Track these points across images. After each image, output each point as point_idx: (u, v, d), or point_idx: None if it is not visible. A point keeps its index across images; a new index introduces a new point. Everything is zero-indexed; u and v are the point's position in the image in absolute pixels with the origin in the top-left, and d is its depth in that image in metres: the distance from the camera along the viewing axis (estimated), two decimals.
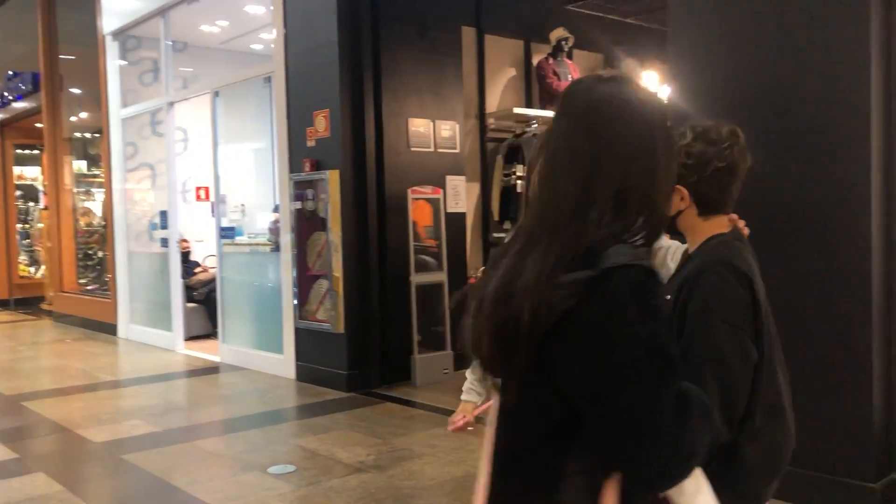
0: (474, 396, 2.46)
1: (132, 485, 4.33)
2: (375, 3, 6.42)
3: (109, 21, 9.35)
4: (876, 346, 3.38)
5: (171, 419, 5.70)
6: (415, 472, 4.30)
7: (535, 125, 7.83)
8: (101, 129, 10.16)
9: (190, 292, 9.15)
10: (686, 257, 1.88)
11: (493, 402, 1.38)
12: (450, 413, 5.66)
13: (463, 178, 7.04)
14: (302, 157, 6.61)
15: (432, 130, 6.79)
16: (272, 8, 6.89)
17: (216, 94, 7.83)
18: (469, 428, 2.45)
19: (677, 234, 1.92)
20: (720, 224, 1.82)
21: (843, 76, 3.43)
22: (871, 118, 3.35)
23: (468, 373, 2.51)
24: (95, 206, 12.31)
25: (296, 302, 6.76)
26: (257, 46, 9.33)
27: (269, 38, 8.31)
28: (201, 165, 9.31)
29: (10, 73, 12.05)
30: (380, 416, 5.59)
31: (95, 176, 12.45)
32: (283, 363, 6.98)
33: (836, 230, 3.45)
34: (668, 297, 1.70)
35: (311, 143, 6.54)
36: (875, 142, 3.37)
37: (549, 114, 7.92)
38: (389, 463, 4.47)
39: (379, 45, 6.43)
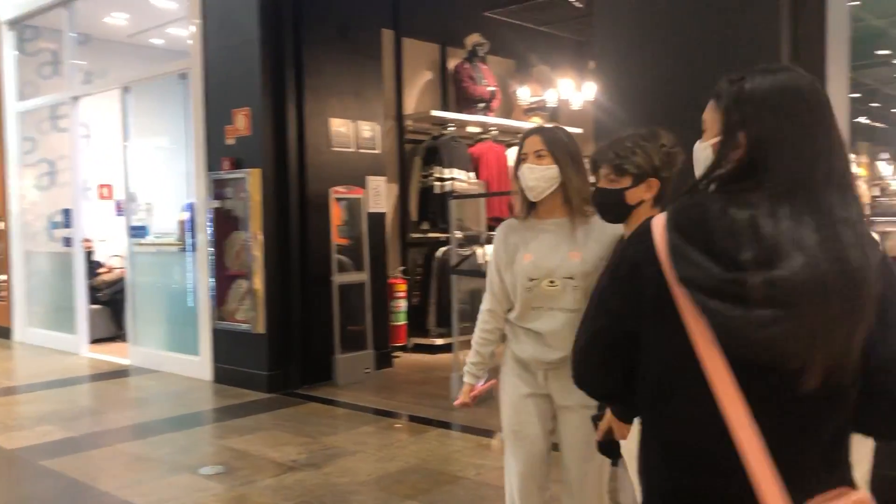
0: (473, 379, 2.66)
1: (57, 491, 4.17)
2: (297, 2, 6.40)
3: (5, 9, 8.90)
4: None
5: (86, 423, 5.51)
6: (349, 469, 4.34)
7: (452, 127, 7.98)
8: None
9: (94, 293, 8.82)
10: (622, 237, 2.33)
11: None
12: (374, 411, 5.75)
13: (384, 178, 7.10)
14: (220, 155, 6.51)
15: (353, 131, 6.82)
16: (188, 3, 6.75)
17: (126, 89, 7.59)
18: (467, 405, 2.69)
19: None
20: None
21: None
22: None
23: (469, 357, 2.68)
24: None
25: (213, 302, 6.64)
26: (158, 41, 9.11)
27: (176, 33, 8.17)
28: (104, 162, 9.01)
29: None
30: (305, 416, 5.58)
31: None
32: (199, 365, 6.85)
33: None
34: None
35: (230, 142, 6.45)
36: None
37: (466, 117, 8.12)
38: (322, 461, 4.48)
39: (301, 44, 6.41)
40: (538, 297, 2.48)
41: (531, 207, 2.53)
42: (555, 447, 2.65)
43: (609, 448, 2.25)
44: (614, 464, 2.41)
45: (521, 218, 2.55)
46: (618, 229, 2.43)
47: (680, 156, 2.25)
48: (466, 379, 2.66)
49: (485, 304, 2.64)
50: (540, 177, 2.44)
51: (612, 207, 2.28)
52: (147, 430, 5.34)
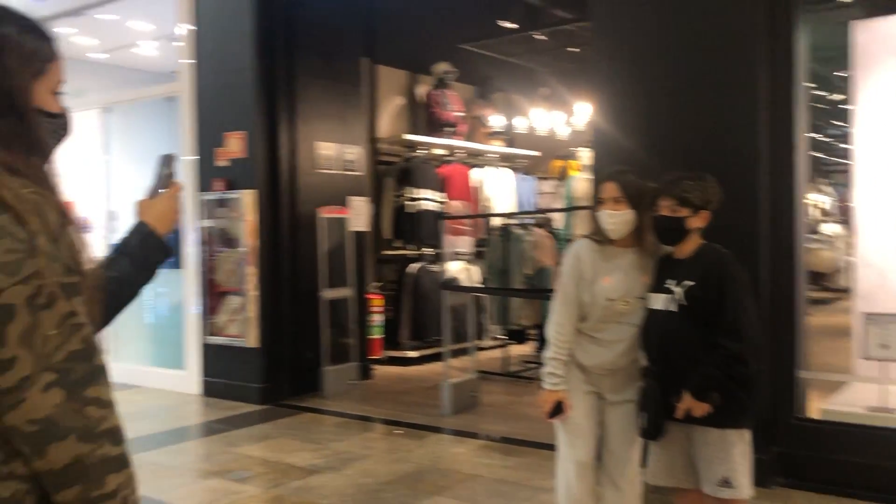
0: (553, 385, 3.04)
1: None
2: (289, 31, 6.75)
3: None
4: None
5: None
6: (368, 471, 4.70)
7: (423, 150, 8.43)
8: None
9: None
10: (666, 255, 2.96)
11: None
12: (366, 419, 6.11)
13: (365, 198, 7.48)
14: (210, 176, 6.78)
15: (338, 154, 7.18)
16: (178, 27, 6.99)
17: (107, 109, 7.75)
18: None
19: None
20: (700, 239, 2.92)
21: (735, 130, 4.28)
22: (759, 163, 4.23)
23: (554, 364, 3.02)
24: None
25: (203, 317, 6.88)
26: (138, 60, 9.23)
27: (152, 53, 8.37)
28: (78, 181, 9.05)
29: None
30: (303, 425, 5.90)
31: None
32: (185, 379, 7.05)
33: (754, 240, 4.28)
34: (691, 281, 2.78)
35: (222, 163, 6.73)
36: (763, 182, 4.25)
37: (433, 140, 8.58)
38: (340, 464, 4.83)
39: (293, 71, 6.76)
40: (613, 313, 2.96)
41: (609, 238, 3.00)
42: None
43: (656, 430, 2.79)
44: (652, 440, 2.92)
45: (601, 242, 3.00)
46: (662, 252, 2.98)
47: (720, 195, 2.89)
48: (548, 386, 3.04)
49: (558, 317, 3.04)
50: (618, 221, 2.94)
51: (674, 232, 2.86)
52: (156, 441, 5.55)
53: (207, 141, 6.84)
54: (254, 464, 4.90)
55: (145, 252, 1.56)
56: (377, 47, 8.27)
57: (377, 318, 7.93)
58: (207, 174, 6.83)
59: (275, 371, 6.69)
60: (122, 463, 1.13)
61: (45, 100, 1.21)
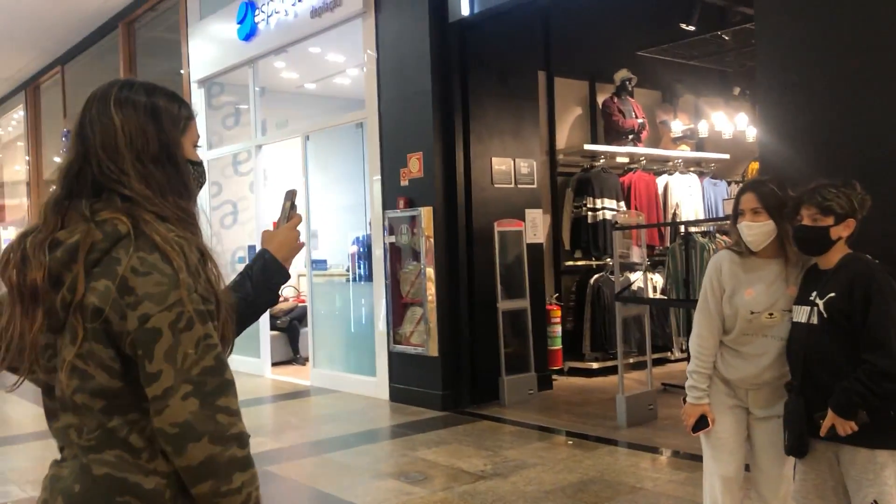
0: (696, 399, 3.00)
1: (288, 493, 4.87)
2: (463, 54, 7.04)
3: (197, 69, 10.08)
4: None
5: (292, 436, 6.26)
6: (534, 479, 4.80)
7: (602, 160, 8.39)
8: None
9: (273, 321, 9.75)
10: (813, 266, 2.82)
11: None
12: (541, 429, 6.19)
13: (540, 210, 7.60)
14: (395, 195, 7.21)
15: (512, 168, 7.36)
16: (365, 57, 7.52)
17: (307, 137, 8.47)
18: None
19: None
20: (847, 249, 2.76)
21: None
22: None
23: (696, 378, 2.98)
24: None
25: (389, 328, 7.31)
26: (330, 87, 10.00)
27: (345, 82, 9.01)
28: (279, 203, 9.96)
29: None
30: (480, 432, 6.10)
31: None
32: (376, 385, 7.52)
33: None
34: (833, 293, 2.64)
35: (404, 183, 7.13)
36: None
37: (615, 149, 8.51)
38: (508, 472, 4.97)
39: (467, 91, 7.03)
40: (756, 326, 2.87)
41: (751, 250, 2.91)
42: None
43: (800, 448, 2.68)
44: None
45: (743, 254, 2.92)
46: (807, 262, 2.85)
47: (868, 202, 2.74)
48: (691, 399, 2.99)
49: (700, 329, 2.99)
50: (758, 233, 2.85)
51: (816, 242, 2.73)
52: (344, 442, 6.01)
53: (391, 162, 7.28)
54: (428, 467, 5.16)
55: (266, 276, 1.77)
56: (554, 60, 8.38)
57: (557, 330, 8.00)
58: (392, 193, 7.26)
59: (454, 379, 6.96)
60: (247, 463, 1.34)
61: (189, 152, 1.50)
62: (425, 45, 6.89)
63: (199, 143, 1.56)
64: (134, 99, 1.43)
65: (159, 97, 1.46)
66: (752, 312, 2.86)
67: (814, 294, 2.72)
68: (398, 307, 7.28)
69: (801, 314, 2.75)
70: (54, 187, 1.42)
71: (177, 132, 1.46)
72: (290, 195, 1.93)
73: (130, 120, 1.41)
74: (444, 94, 6.94)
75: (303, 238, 1.89)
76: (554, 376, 7.96)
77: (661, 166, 9.01)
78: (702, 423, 2.99)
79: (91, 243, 1.31)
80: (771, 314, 2.84)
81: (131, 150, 1.39)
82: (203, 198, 9.98)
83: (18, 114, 17.18)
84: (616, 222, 6.58)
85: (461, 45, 7.03)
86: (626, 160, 8.76)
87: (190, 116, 1.51)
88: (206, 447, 1.27)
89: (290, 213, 1.89)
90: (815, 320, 2.68)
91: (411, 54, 7.04)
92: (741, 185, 3.08)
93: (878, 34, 4.06)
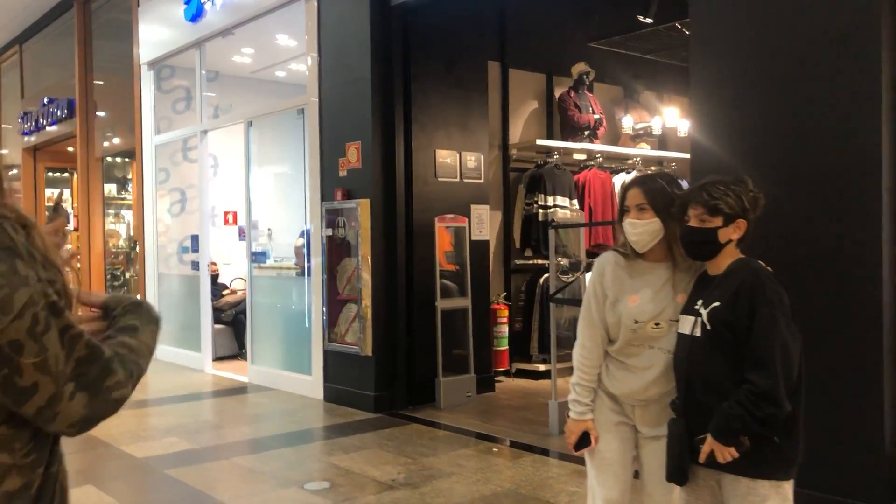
0: (579, 415, 2.69)
1: (178, 499, 4.56)
2: (406, 39, 6.72)
3: (146, 51, 9.72)
4: (887, 368, 3.58)
5: (207, 437, 5.94)
6: (444, 490, 4.51)
7: (556, 156, 8.10)
8: (130, 153, 10.52)
9: (217, 314, 9.42)
10: (703, 272, 2.52)
11: None
12: (470, 434, 5.86)
13: (487, 206, 7.30)
14: (334, 185, 6.89)
15: (458, 161, 7.06)
16: (306, 39, 7.20)
17: (250, 123, 8.14)
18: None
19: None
20: (739, 253, 2.47)
21: (855, 121, 3.66)
22: (882, 160, 3.58)
23: (579, 391, 2.68)
24: (121, 228, 12.68)
25: (325, 323, 7.00)
26: (283, 73, 9.67)
27: (297, 67, 8.68)
28: (229, 191, 9.65)
29: (46, 99, 12.44)
30: (407, 437, 5.80)
31: (123, 199, 12.82)
32: (311, 384, 7.21)
33: (847, 258, 3.66)
34: (718, 302, 2.36)
35: (342, 174, 6.82)
36: (886, 183, 3.60)
37: (571, 145, 8.21)
38: (420, 481, 4.68)
39: (409, 78, 6.72)
40: (641, 337, 2.58)
41: (636, 252, 2.62)
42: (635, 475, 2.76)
43: (680, 474, 2.38)
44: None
45: (628, 257, 2.63)
46: (699, 268, 2.54)
47: (762, 200, 2.46)
48: (573, 415, 2.70)
49: (582, 339, 2.70)
50: (642, 231, 2.55)
51: (703, 245, 2.44)
52: (260, 445, 5.70)
53: (331, 151, 6.96)
54: (337, 474, 4.86)
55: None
56: (509, 50, 8.07)
57: (504, 330, 7.71)
58: (331, 183, 6.95)
59: (389, 380, 6.66)
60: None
61: None
62: (365, 30, 6.57)
63: None
64: None
65: None
66: (637, 322, 2.57)
67: (699, 303, 2.43)
68: (334, 303, 6.97)
69: (686, 325, 2.45)
70: None
71: None
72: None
73: None
74: (384, 82, 6.63)
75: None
76: (500, 378, 7.68)
77: (620, 164, 8.73)
78: (585, 440, 2.70)
79: None
80: (657, 324, 2.55)
81: None
82: (148, 185, 9.66)
83: None
84: (552, 220, 6.29)
85: (404, 30, 6.72)
86: (582, 157, 8.47)
87: None
88: (106, 417, 1.22)
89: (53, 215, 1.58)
90: (698, 332, 2.39)
91: (352, 39, 6.72)
92: (628, 180, 2.74)
93: (812, 30, 3.78)
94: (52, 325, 1.10)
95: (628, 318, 2.58)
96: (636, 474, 2.76)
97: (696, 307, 2.42)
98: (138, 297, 1.49)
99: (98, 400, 1.16)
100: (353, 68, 6.70)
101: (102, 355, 1.18)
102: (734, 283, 2.35)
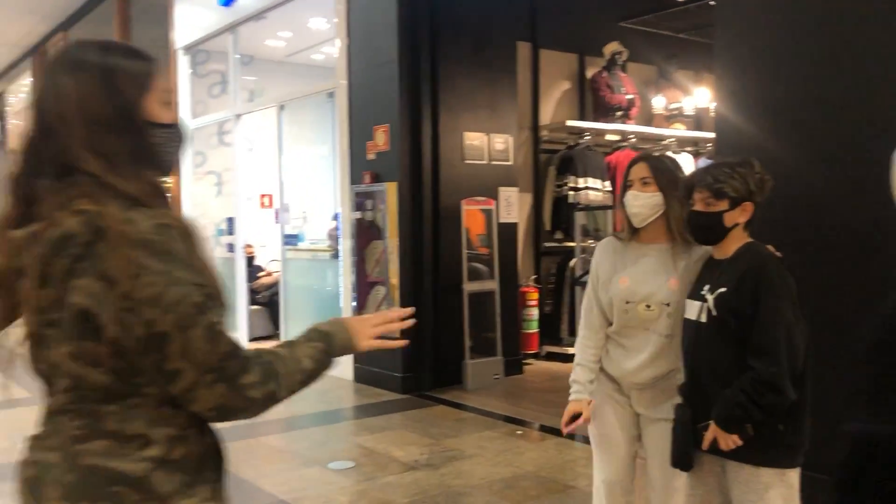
0: (577, 396, 2.70)
1: None
2: (434, 20, 6.70)
3: (182, 36, 9.85)
4: None
5: None
6: (464, 472, 4.55)
7: (588, 136, 8.02)
8: None
9: (254, 295, 9.56)
10: (710, 256, 2.49)
11: None
12: (495, 416, 5.89)
13: (515, 189, 7.27)
14: (362, 169, 6.93)
15: (486, 143, 7.04)
16: (335, 23, 7.22)
17: (282, 107, 8.22)
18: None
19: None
20: (746, 237, 2.42)
21: (883, 95, 3.56)
22: None
23: (577, 371, 2.72)
24: None
25: (354, 306, 7.08)
26: (318, 57, 9.72)
27: (331, 51, 8.71)
28: (264, 174, 9.76)
29: None
30: (433, 418, 5.85)
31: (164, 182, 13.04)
32: (342, 365, 7.30)
33: (876, 237, 3.57)
34: (724, 288, 2.33)
35: (371, 157, 6.85)
36: None
37: (603, 126, 8.13)
38: (441, 462, 4.72)
39: (437, 61, 6.70)
40: (635, 318, 2.59)
41: (634, 231, 2.64)
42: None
43: (685, 460, 2.38)
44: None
45: (625, 239, 2.67)
46: (707, 252, 2.52)
47: (769, 183, 2.40)
48: (571, 397, 2.72)
49: (584, 319, 2.75)
50: (644, 203, 2.56)
51: (709, 230, 2.40)
52: (288, 424, 5.80)
53: (359, 135, 6.99)
54: (362, 454, 4.93)
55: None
56: (540, 31, 8.00)
57: (533, 313, 7.71)
58: (359, 167, 6.99)
59: (417, 362, 6.71)
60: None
61: (157, 112, 1.36)
62: (393, 12, 6.56)
63: (170, 100, 1.39)
64: (86, 60, 1.32)
65: (115, 55, 1.35)
66: (627, 303, 2.59)
67: (706, 288, 2.41)
68: (363, 286, 7.03)
69: (692, 310, 2.44)
70: (15, 165, 1.34)
71: (137, 92, 1.33)
72: None
73: (83, 84, 1.30)
74: (412, 64, 6.62)
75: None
76: (529, 360, 7.69)
77: (654, 145, 8.61)
78: (576, 419, 2.71)
79: (71, 236, 1.23)
80: (648, 306, 2.55)
81: (85, 118, 1.28)
82: (185, 168, 9.81)
83: (28, 80, 17.16)
84: (578, 203, 6.24)
85: (431, 12, 6.69)
86: (616, 138, 8.38)
87: (151, 72, 1.37)
88: (242, 412, 1.35)
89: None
90: (703, 318, 2.37)
91: (380, 21, 6.72)
92: (634, 157, 2.75)
93: (846, 8, 3.68)
94: (198, 322, 1.25)
95: (619, 299, 2.60)
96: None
97: (703, 292, 2.40)
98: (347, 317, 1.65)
99: (233, 393, 1.30)
100: (381, 51, 6.71)
101: (242, 355, 1.32)
102: (741, 269, 2.33)
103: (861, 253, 3.65)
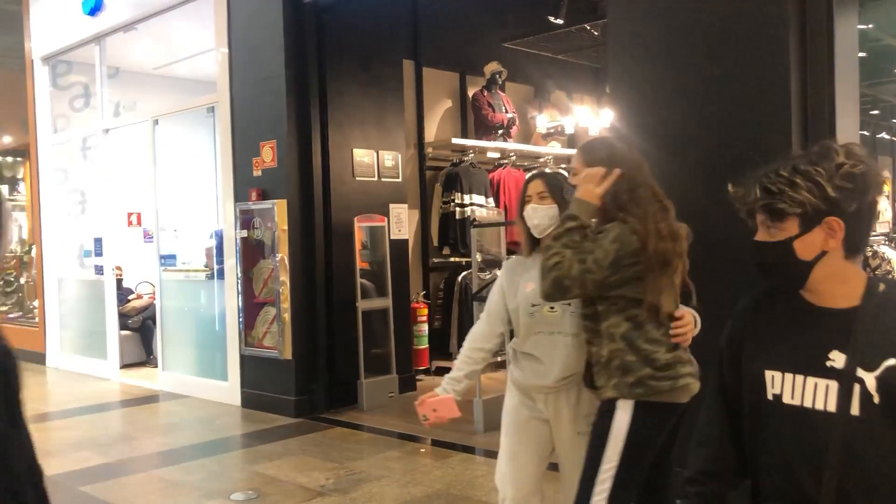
0: (444, 392, 2.81)
1: None
2: (321, 37, 6.61)
3: (40, 45, 9.22)
4: None
5: (121, 449, 5.69)
6: (376, 494, 4.47)
7: (472, 154, 8.15)
8: (22, 152, 9.98)
9: (124, 319, 9.04)
10: (802, 300, 1.63)
11: None
12: (396, 436, 5.84)
13: (405, 205, 7.27)
14: (248, 186, 6.72)
15: (376, 160, 7.00)
16: (215, 37, 6.98)
17: (156, 121, 7.84)
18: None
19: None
20: (860, 270, 1.59)
21: (765, 121, 3.83)
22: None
23: (454, 367, 2.85)
24: (13, 230, 12.01)
25: (241, 329, 6.83)
26: (194, 70, 9.35)
27: (207, 63, 8.41)
28: (133, 191, 9.26)
29: None
30: (332, 441, 5.72)
31: (14, 200, 12.14)
32: (228, 390, 7.02)
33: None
34: (891, 359, 1.50)
35: (256, 173, 6.66)
36: None
37: (484, 144, 8.28)
38: (349, 486, 4.62)
39: (325, 77, 6.61)
40: (539, 321, 2.72)
41: (534, 245, 2.79)
42: (553, 467, 2.85)
43: None
44: None
45: (525, 254, 2.83)
46: None
47: (870, 177, 1.54)
48: (438, 390, 2.81)
49: (477, 325, 2.89)
50: (544, 215, 2.72)
51: (780, 269, 1.62)
52: (179, 455, 5.51)
53: (244, 150, 6.78)
54: (264, 483, 4.75)
55: None
56: (423, 49, 8.06)
57: (423, 328, 7.71)
58: (244, 183, 6.77)
59: (309, 383, 6.56)
60: None
61: None
62: (278, 26, 6.42)
63: None
64: None
65: None
66: (533, 305, 2.73)
67: (835, 356, 1.54)
68: (251, 307, 6.80)
69: (810, 393, 1.56)
70: None
71: None
72: None
73: None
74: (299, 79, 6.50)
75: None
76: (420, 376, 7.67)
77: (532, 162, 8.86)
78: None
79: None
80: (552, 307, 2.69)
81: None
82: (45, 185, 9.18)
83: None
84: (474, 220, 6.33)
85: (318, 27, 6.60)
86: (496, 155, 8.55)
87: None
88: None
89: None
90: (855, 408, 1.52)
91: (264, 35, 6.56)
92: (529, 175, 2.93)
93: (732, 32, 3.93)
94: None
95: (525, 303, 2.74)
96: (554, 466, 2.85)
97: (834, 364, 1.54)
98: None
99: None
100: (266, 65, 6.55)
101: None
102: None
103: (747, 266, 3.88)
